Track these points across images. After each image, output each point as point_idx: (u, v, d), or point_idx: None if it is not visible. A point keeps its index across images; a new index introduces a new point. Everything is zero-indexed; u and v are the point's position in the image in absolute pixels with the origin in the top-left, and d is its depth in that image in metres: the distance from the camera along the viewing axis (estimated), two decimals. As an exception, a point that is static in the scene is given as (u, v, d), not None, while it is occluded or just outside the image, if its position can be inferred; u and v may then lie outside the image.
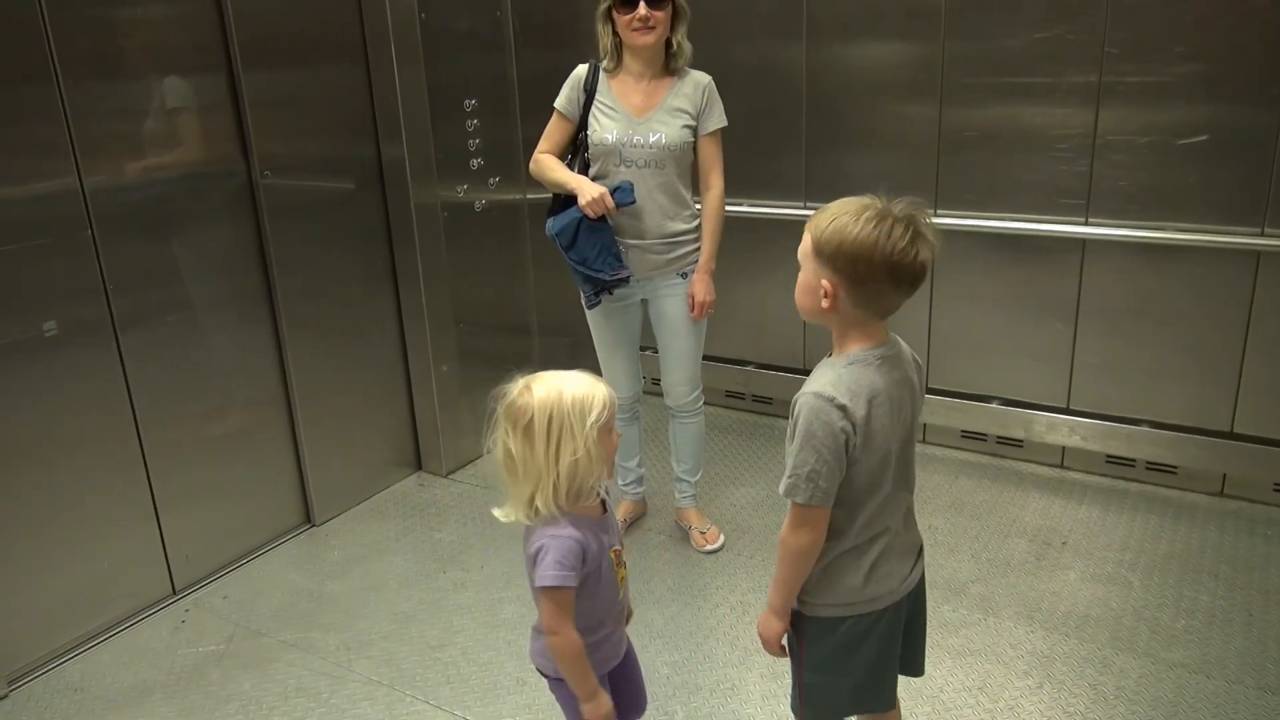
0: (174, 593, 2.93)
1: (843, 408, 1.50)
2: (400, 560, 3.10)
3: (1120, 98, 3.09)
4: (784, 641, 1.72)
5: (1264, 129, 2.91)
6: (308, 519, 3.31)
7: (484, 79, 3.55)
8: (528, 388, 1.59)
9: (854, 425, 1.51)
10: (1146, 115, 3.08)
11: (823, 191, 3.64)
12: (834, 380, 1.53)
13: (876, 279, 1.49)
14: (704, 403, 3.05)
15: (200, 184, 2.87)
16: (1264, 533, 3.05)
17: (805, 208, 3.66)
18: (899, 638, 1.72)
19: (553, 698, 1.83)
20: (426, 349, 3.49)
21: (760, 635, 1.71)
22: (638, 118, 2.70)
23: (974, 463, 3.60)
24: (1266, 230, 2.97)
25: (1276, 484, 3.17)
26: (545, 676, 1.80)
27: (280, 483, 3.22)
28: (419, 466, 3.66)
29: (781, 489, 1.56)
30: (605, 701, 1.70)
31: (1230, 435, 3.19)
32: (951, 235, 3.45)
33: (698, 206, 2.81)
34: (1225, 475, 3.25)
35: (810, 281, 1.54)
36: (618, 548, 1.73)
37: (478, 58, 3.54)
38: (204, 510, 2.97)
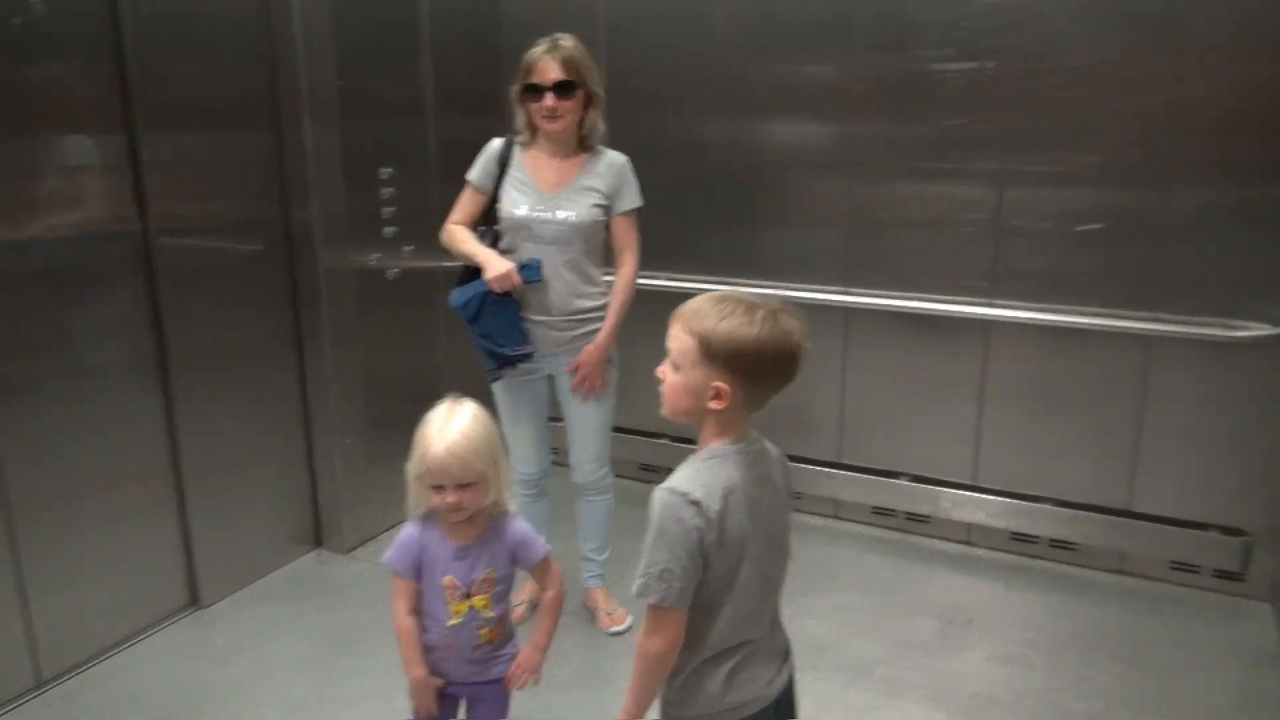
0: (39, 685, 2.71)
1: (697, 503, 1.48)
2: (292, 645, 2.94)
3: (1022, 185, 3.21)
4: None
5: (1156, 219, 3.04)
6: (194, 600, 3.13)
7: (401, 146, 3.53)
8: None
9: (709, 522, 1.48)
10: (1046, 202, 3.19)
11: (739, 266, 3.68)
12: (691, 475, 1.52)
13: (771, 377, 1.51)
14: (615, 478, 3.00)
15: (92, 246, 2.75)
16: (1162, 611, 3.10)
17: (722, 282, 3.67)
18: None
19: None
20: (331, 419, 3.38)
21: None
22: (548, 194, 2.69)
23: (884, 538, 3.61)
24: (1159, 315, 3.09)
25: (1173, 562, 3.24)
26: None
27: (164, 561, 3.04)
28: (319, 543, 3.52)
29: (634, 590, 1.52)
30: (416, 674, 1.93)
31: (1128, 514, 3.26)
32: (862, 314, 3.53)
33: (609, 280, 2.80)
34: (1124, 553, 3.31)
35: (696, 384, 1.52)
36: (451, 579, 1.89)
37: (396, 125, 3.52)
38: (78, 592, 2.78)
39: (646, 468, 3.88)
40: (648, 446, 3.89)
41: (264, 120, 3.17)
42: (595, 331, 2.75)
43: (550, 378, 2.85)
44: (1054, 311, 3.23)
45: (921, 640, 2.95)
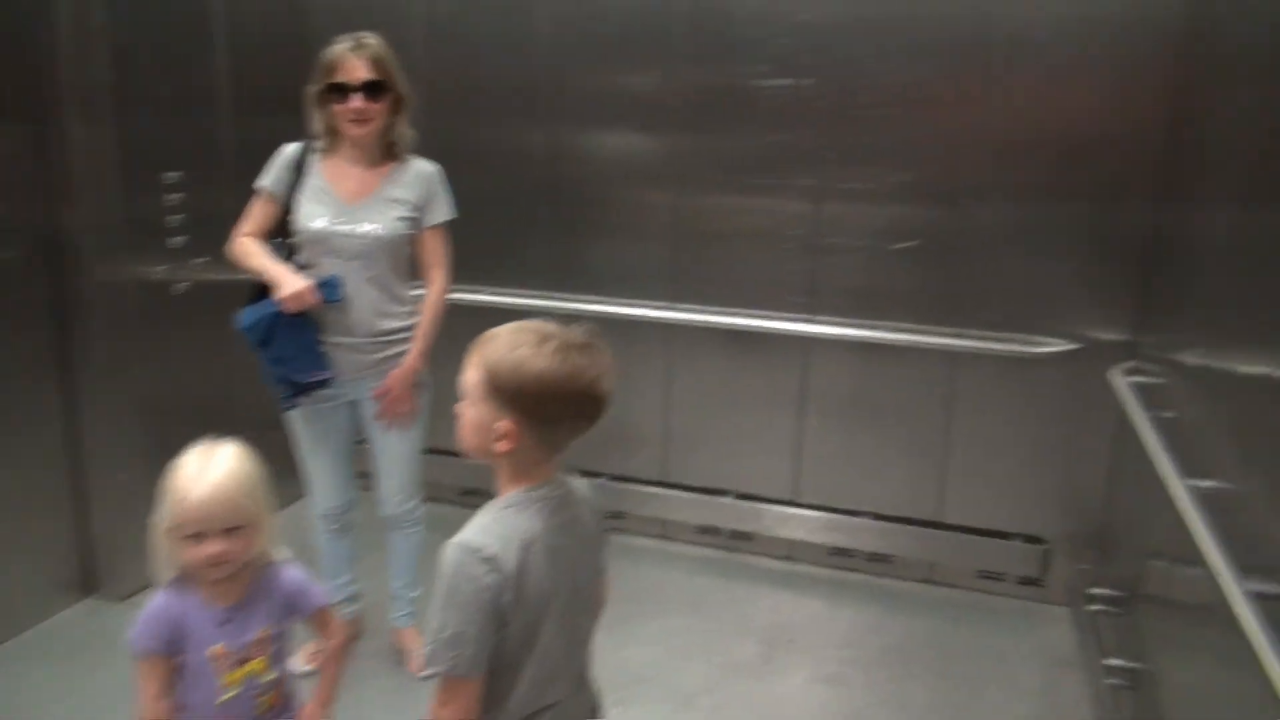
0: None
1: (490, 559, 1.34)
2: (54, 714, 2.58)
3: (840, 202, 3.25)
4: None
5: (962, 238, 3.14)
6: (-71, 666, 2.72)
7: (192, 147, 3.23)
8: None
9: (504, 579, 1.35)
10: (862, 219, 3.24)
11: (562, 280, 3.56)
12: (484, 527, 1.39)
13: (565, 417, 1.38)
14: (426, 506, 2.81)
15: None
16: (970, 620, 3.20)
17: (543, 296, 3.55)
18: None
19: None
20: (105, 452, 3.02)
21: None
22: (349, 205, 2.48)
23: (710, 558, 3.58)
24: (965, 332, 3.20)
25: (980, 571, 3.36)
26: None
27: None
28: (90, 591, 3.12)
29: (422, 657, 1.39)
30: None
31: (938, 525, 3.36)
32: (687, 329, 3.48)
33: (418, 293, 2.61)
34: (934, 563, 3.41)
35: (482, 421, 1.38)
36: (220, 648, 1.67)
37: (185, 124, 3.21)
38: None
39: (469, 492, 3.69)
40: (469, 470, 3.65)
41: (18, 113, 2.80)
42: (403, 353, 2.56)
43: (353, 404, 2.64)
44: (869, 327, 3.28)
45: (745, 663, 2.92)
